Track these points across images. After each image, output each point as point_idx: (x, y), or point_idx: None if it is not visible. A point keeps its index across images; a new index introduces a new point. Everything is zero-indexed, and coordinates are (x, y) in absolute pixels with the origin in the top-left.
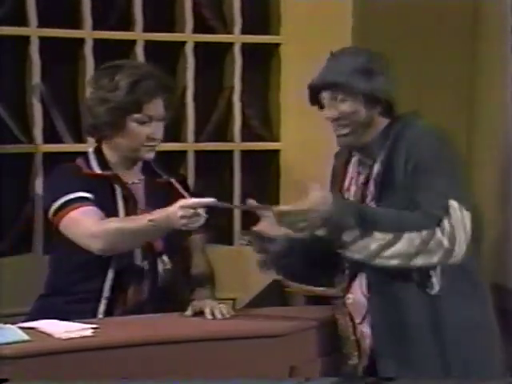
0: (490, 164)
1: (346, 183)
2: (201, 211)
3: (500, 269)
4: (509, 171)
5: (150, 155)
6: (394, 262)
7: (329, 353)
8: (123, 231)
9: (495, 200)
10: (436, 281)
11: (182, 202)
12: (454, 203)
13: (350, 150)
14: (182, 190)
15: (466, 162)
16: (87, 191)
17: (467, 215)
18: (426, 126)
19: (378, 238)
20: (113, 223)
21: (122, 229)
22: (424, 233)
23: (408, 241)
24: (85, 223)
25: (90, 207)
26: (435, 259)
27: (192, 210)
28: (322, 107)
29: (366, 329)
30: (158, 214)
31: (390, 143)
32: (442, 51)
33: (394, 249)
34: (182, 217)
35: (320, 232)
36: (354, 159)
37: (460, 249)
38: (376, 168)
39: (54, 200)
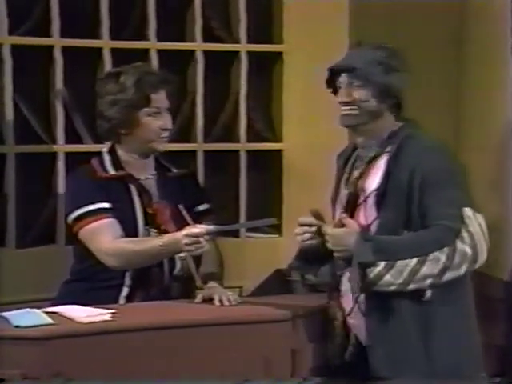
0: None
1: (342, 184)
2: (202, 239)
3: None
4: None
5: (163, 147)
6: (427, 283)
7: (326, 337)
8: (135, 253)
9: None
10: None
11: (186, 231)
12: (467, 210)
13: (354, 148)
14: (191, 184)
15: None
16: (105, 198)
17: (480, 217)
18: (428, 141)
19: (403, 268)
20: (127, 244)
21: (134, 250)
22: (446, 249)
23: (433, 262)
24: (100, 239)
25: (108, 220)
26: (463, 270)
27: (195, 238)
28: (335, 92)
29: (352, 320)
30: (167, 239)
31: (392, 156)
32: (432, 52)
33: (421, 273)
34: (187, 244)
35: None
36: (353, 158)
37: (482, 252)
38: (378, 179)
39: (73, 209)
